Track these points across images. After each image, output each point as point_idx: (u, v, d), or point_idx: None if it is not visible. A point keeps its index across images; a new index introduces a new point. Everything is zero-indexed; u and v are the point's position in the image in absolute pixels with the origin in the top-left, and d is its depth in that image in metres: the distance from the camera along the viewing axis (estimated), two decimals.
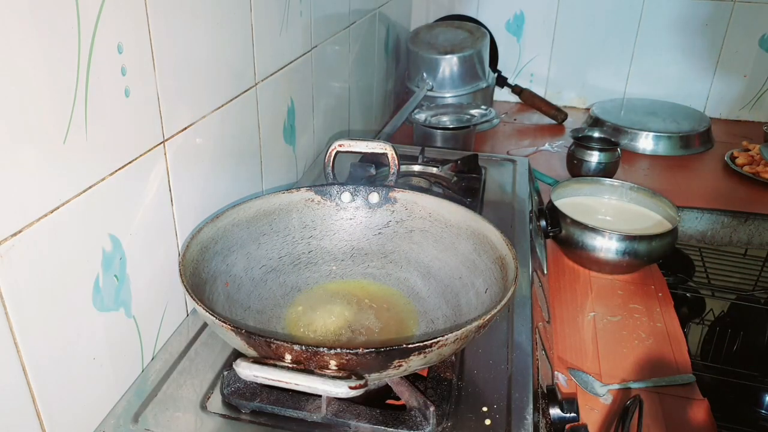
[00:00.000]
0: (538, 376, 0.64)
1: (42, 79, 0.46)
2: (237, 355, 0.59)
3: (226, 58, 0.75)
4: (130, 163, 0.58)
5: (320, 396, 0.56)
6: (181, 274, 0.57)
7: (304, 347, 0.48)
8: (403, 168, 1.04)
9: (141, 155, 0.60)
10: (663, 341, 0.95)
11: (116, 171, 0.56)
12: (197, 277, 0.61)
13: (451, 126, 1.45)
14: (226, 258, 0.67)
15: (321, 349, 0.48)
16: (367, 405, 0.57)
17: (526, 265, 0.83)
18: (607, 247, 1.07)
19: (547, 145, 1.64)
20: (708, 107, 1.86)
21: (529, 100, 1.83)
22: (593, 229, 1.07)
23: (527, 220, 0.95)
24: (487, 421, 0.56)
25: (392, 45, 1.70)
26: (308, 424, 0.56)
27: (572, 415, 0.63)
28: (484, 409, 0.58)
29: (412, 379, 0.59)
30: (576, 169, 1.41)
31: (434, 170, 1.06)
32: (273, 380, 0.47)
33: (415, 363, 0.51)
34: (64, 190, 0.50)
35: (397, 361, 0.49)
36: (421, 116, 1.48)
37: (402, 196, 0.77)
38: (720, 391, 1.40)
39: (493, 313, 0.52)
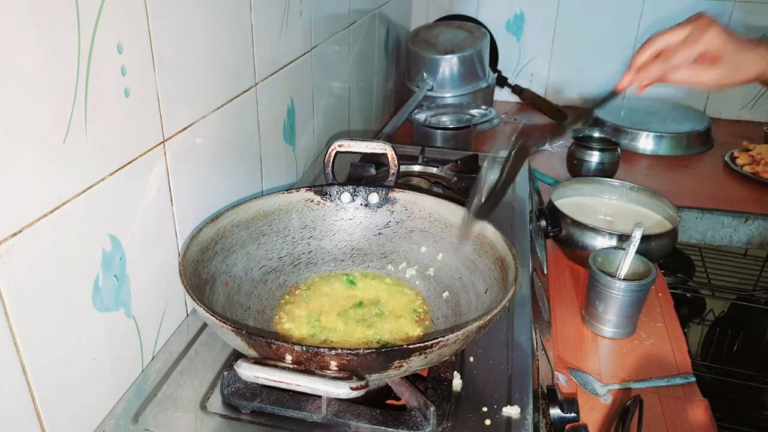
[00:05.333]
0: (538, 376, 0.64)
1: (42, 79, 0.46)
2: (237, 355, 0.59)
3: (226, 58, 0.75)
4: (130, 163, 0.58)
5: (320, 396, 0.56)
6: (181, 275, 0.57)
7: (304, 348, 0.48)
8: (403, 168, 1.04)
9: (141, 155, 0.60)
10: (663, 341, 0.95)
11: (116, 171, 0.56)
12: (197, 278, 0.61)
13: (451, 126, 1.45)
14: (226, 258, 0.67)
15: (322, 350, 0.48)
16: (367, 405, 0.57)
17: (526, 265, 0.83)
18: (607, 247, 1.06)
19: (547, 145, 1.64)
20: (708, 107, 1.86)
21: (529, 100, 1.83)
22: (593, 229, 1.07)
23: (527, 220, 0.95)
24: (487, 421, 0.56)
25: (392, 45, 1.70)
26: (308, 424, 0.56)
27: (572, 415, 0.63)
28: (484, 409, 0.58)
29: (413, 379, 0.59)
30: (576, 169, 1.41)
31: (434, 170, 1.06)
32: (274, 381, 0.47)
33: (415, 363, 0.51)
34: (64, 190, 0.50)
35: (397, 361, 0.49)
36: (421, 116, 1.48)
37: (402, 196, 0.77)
38: (720, 391, 1.40)
39: (493, 313, 0.52)
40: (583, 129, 1.47)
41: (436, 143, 1.41)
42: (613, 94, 0.67)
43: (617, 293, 0.91)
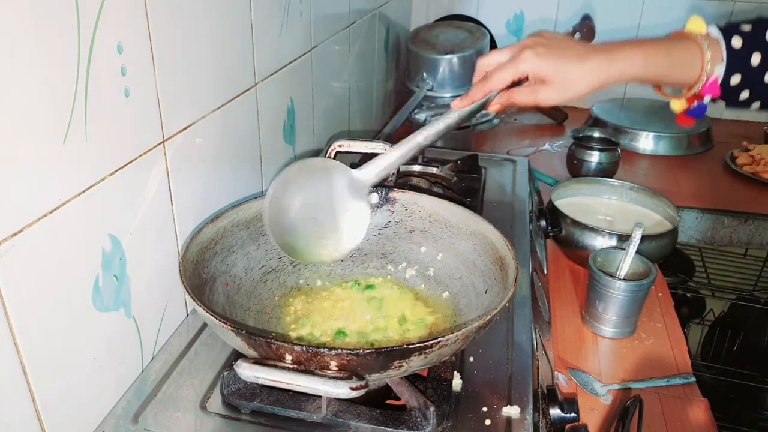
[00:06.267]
0: (538, 376, 0.64)
1: (42, 79, 0.46)
2: (237, 355, 0.59)
3: (226, 58, 0.75)
4: (130, 163, 0.58)
5: (320, 396, 0.56)
6: (181, 275, 0.57)
7: (304, 348, 0.48)
8: (403, 168, 1.04)
9: (141, 155, 0.60)
10: (663, 341, 0.95)
11: (116, 171, 0.56)
12: (197, 278, 0.61)
13: None
14: (225, 258, 0.67)
15: (322, 350, 0.48)
16: (367, 405, 0.57)
17: (526, 265, 0.83)
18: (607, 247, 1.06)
19: (547, 145, 1.64)
20: (708, 107, 1.86)
21: None
22: (593, 229, 1.07)
23: (527, 220, 0.95)
24: (487, 421, 0.56)
25: (392, 45, 1.70)
26: (308, 424, 0.56)
27: (572, 415, 0.63)
28: (484, 409, 0.58)
29: (413, 379, 0.59)
30: (576, 169, 1.41)
31: (434, 170, 1.06)
32: (274, 381, 0.47)
33: (415, 363, 0.51)
34: (64, 190, 0.50)
35: (397, 361, 0.49)
36: (421, 116, 1.48)
37: (402, 196, 0.77)
38: (720, 392, 1.40)
39: (493, 313, 0.52)
40: (583, 129, 1.47)
41: (436, 143, 1.41)
42: (448, 109, 0.68)
43: (617, 293, 0.91)
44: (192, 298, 0.54)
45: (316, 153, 1.15)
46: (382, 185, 0.78)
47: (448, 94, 1.64)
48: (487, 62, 0.66)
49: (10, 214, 0.45)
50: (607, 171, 1.39)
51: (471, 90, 0.66)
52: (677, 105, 0.71)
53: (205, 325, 0.70)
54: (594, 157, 1.38)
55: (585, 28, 0.74)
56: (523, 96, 0.64)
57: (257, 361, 0.48)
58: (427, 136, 0.67)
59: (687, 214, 1.35)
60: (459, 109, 0.66)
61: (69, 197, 0.50)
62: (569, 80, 0.62)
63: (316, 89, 1.10)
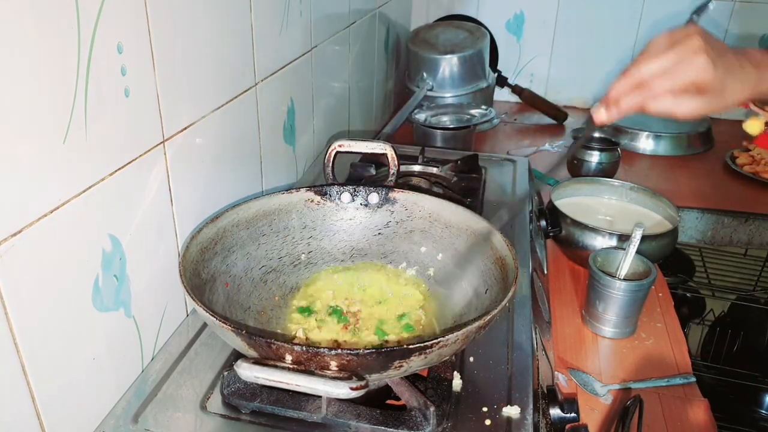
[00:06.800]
0: (538, 376, 0.64)
1: (42, 79, 0.46)
2: (237, 355, 0.59)
3: (226, 58, 0.75)
4: (130, 163, 0.58)
5: (320, 396, 0.56)
6: (181, 275, 0.57)
7: (304, 348, 0.48)
8: (403, 168, 1.04)
9: (141, 155, 0.60)
10: (663, 341, 0.95)
11: (116, 171, 0.56)
12: (197, 278, 0.61)
13: (451, 126, 1.45)
14: (225, 258, 0.67)
15: (322, 350, 0.48)
16: (367, 405, 0.57)
17: (526, 265, 0.83)
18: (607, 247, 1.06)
19: (547, 145, 1.64)
20: None
21: (529, 100, 1.83)
22: (593, 229, 1.07)
23: (527, 220, 0.95)
24: (487, 421, 0.56)
25: (392, 45, 1.70)
26: (308, 424, 0.56)
27: (572, 415, 0.63)
28: (484, 409, 0.58)
29: (413, 379, 0.59)
30: (576, 169, 1.41)
31: (434, 170, 1.06)
32: (274, 381, 0.47)
33: (415, 363, 0.51)
34: (64, 190, 0.50)
35: (397, 361, 0.49)
36: (421, 116, 1.48)
37: (402, 196, 0.77)
38: (720, 392, 1.40)
39: (493, 313, 0.52)
40: (583, 129, 1.47)
41: (436, 143, 1.41)
42: (593, 126, 0.61)
43: (617, 293, 0.91)
44: (192, 298, 0.54)
45: (316, 153, 1.15)
46: (382, 185, 0.78)
47: (448, 94, 1.64)
48: (645, 71, 0.58)
49: (10, 214, 0.45)
50: (607, 171, 1.39)
51: (624, 100, 0.58)
52: (755, 127, 0.67)
53: (205, 325, 0.70)
54: (594, 157, 1.38)
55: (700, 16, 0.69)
56: (663, 106, 0.57)
57: (257, 361, 0.48)
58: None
59: (687, 214, 1.35)
60: (605, 123, 0.59)
61: (69, 197, 0.50)
62: (726, 91, 0.56)
63: (316, 89, 1.10)
